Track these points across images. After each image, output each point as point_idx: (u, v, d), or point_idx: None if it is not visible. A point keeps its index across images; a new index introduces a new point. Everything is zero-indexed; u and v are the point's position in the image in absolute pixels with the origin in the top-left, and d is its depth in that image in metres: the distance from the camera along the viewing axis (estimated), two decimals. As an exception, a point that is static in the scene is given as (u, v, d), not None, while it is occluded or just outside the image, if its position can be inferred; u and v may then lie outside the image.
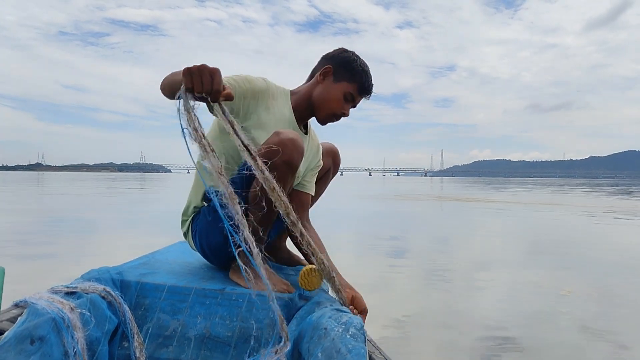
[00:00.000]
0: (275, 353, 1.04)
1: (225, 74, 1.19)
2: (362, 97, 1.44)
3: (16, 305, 0.97)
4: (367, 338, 1.02)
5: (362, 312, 1.28)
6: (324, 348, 0.98)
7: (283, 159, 1.16)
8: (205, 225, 1.30)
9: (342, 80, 1.39)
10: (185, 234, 1.40)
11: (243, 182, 1.21)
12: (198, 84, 0.93)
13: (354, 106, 1.44)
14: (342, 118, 1.42)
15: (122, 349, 1.07)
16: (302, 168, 1.43)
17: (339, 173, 1.50)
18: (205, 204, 1.33)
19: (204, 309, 1.16)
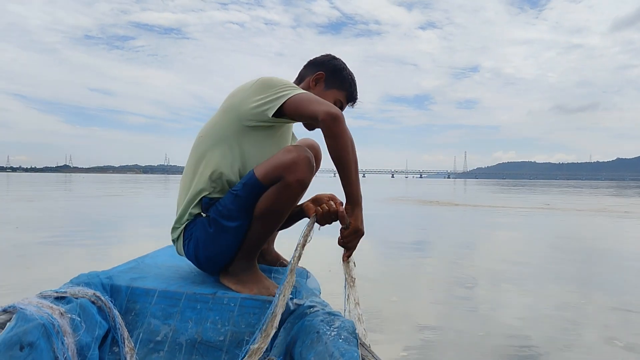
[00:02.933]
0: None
1: (259, 73, 1.23)
2: (348, 105, 1.48)
3: (4, 311, 0.97)
4: (359, 341, 1.00)
5: (330, 199, 1.30)
6: (317, 352, 0.96)
7: (297, 178, 1.17)
8: (204, 236, 1.27)
9: (333, 88, 1.42)
10: (175, 241, 1.37)
11: (248, 195, 1.22)
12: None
13: None
14: None
15: (113, 354, 1.07)
16: None
17: (360, 175, 1.53)
18: (204, 215, 1.29)
19: (195, 313, 1.15)
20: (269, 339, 1.04)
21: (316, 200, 1.35)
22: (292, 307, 1.17)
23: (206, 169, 1.28)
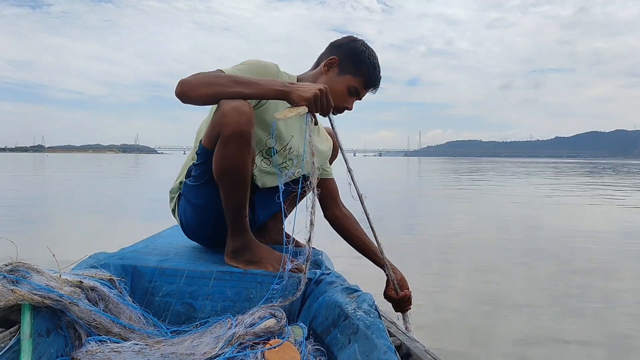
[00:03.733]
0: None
1: (218, 63, 1.18)
2: (367, 91, 1.40)
3: None
4: (380, 313, 1.03)
5: (407, 291, 1.42)
6: (341, 327, 0.96)
7: (233, 128, 1.10)
8: (183, 201, 1.32)
9: (347, 74, 1.34)
10: (173, 211, 1.40)
11: (202, 163, 1.23)
12: (322, 109, 1.15)
13: (359, 99, 1.41)
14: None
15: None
16: (318, 158, 1.46)
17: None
18: (186, 180, 1.32)
19: (228, 291, 1.13)
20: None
21: (400, 281, 1.43)
22: (310, 284, 1.17)
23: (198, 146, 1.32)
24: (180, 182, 1.35)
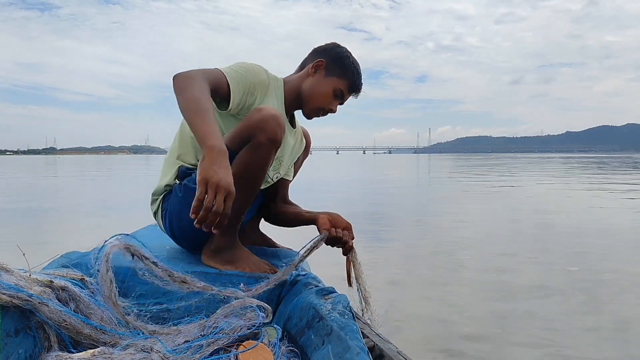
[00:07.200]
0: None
1: (226, 62, 1.19)
2: (350, 95, 1.44)
3: None
4: (355, 314, 1.02)
5: (346, 228, 1.33)
6: (316, 329, 0.97)
7: (268, 136, 1.14)
8: (176, 203, 1.26)
9: (333, 76, 1.39)
10: (155, 214, 1.37)
11: None
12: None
13: (342, 103, 1.45)
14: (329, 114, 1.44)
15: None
16: (287, 160, 1.46)
17: (334, 152, 1.54)
18: (178, 182, 1.29)
19: (193, 293, 1.10)
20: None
21: (332, 220, 1.34)
22: (285, 285, 1.18)
23: (185, 145, 1.31)
24: (167, 185, 1.30)
